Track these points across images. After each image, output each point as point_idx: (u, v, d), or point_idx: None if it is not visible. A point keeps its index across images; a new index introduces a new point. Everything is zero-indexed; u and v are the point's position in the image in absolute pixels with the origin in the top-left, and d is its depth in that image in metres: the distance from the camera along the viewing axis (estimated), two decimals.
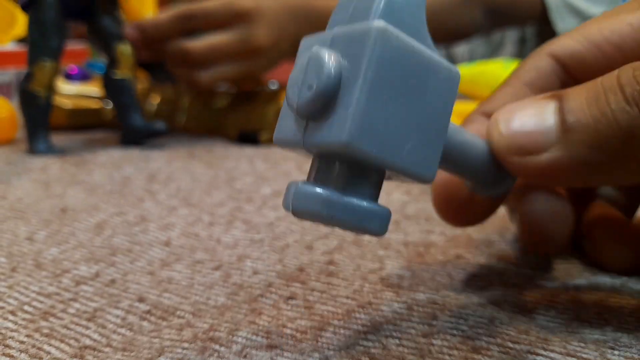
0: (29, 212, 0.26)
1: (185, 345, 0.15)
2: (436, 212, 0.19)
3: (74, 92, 0.46)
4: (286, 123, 0.14)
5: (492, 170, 0.16)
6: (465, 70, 0.41)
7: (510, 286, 0.19)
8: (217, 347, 0.15)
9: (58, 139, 0.43)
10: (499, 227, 0.24)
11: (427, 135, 0.13)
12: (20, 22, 0.59)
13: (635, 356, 0.15)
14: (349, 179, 0.13)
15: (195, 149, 0.41)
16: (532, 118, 0.15)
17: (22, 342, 0.15)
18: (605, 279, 0.20)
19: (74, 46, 0.72)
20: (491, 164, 0.16)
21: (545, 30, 0.67)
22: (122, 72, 0.40)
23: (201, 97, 0.48)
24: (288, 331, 0.16)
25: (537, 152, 0.15)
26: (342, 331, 0.16)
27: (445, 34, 0.62)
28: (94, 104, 0.47)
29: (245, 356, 0.15)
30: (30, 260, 0.21)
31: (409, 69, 0.12)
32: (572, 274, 0.20)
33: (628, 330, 0.16)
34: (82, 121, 0.46)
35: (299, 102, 0.12)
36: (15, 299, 0.18)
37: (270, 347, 0.15)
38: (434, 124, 0.13)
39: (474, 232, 0.24)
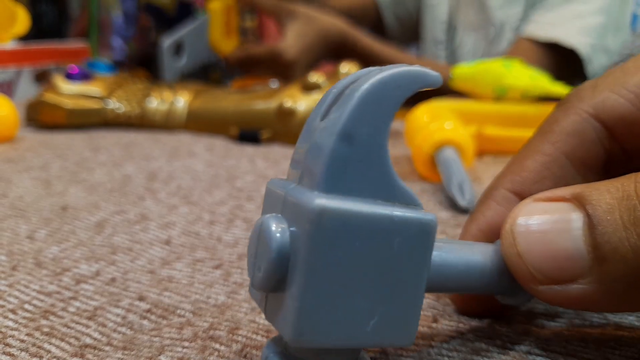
0: (29, 210, 0.26)
1: (186, 344, 0.15)
2: (450, 301, 0.17)
3: (74, 91, 0.46)
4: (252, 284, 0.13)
5: (507, 284, 0.14)
6: (465, 69, 0.41)
7: None
8: (217, 346, 0.15)
9: (58, 138, 0.43)
10: None
11: (397, 301, 0.12)
12: (21, 21, 0.59)
13: (636, 355, 0.15)
14: (319, 352, 0.12)
15: (196, 147, 0.41)
16: (556, 236, 0.12)
17: (22, 341, 0.15)
18: None
19: (74, 45, 0.72)
20: (505, 279, 0.14)
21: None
22: None
23: (202, 97, 0.48)
24: None
25: (566, 281, 0.12)
26: None
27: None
28: (94, 104, 0.47)
29: (245, 355, 0.15)
30: (31, 259, 0.21)
31: (361, 240, 0.11)
32: None
33: (630, 329, 0.16)
34: (83, 121, 0.46)
35: (253, 281, 0.12)
36: (16, 297, 0.18)
37: None
38: (405, 286, 0.12)
39: None
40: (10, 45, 0.60)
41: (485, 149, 0.38)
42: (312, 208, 0.11)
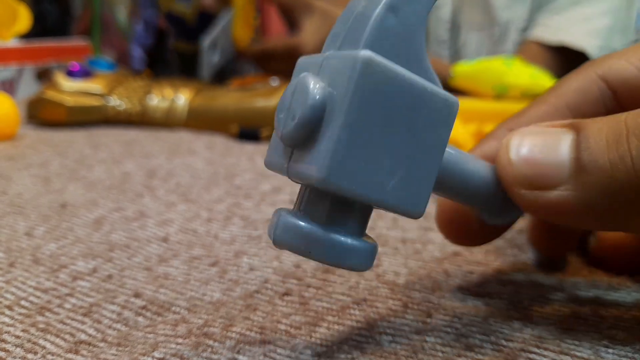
0: (28, 207, 0.26)
1: (180, 340, 0.15)
2: (439, 230, 0.18)
3: (75, 88, 0.47)
4: (275, 147, 0.13)
5: (498, 201, 0.15)
6: (466, 67, 0.41)
7: (507, 284, 0.19)
8: (210, 342, 0.15)
9: (59, 136, 0.43)
10: None
11: (416, 169, 0.12)
12: (23, 19, 0.59)
13: (630, 354, 0.15)
14: (333, 212, 0.13)
15: (196, 145, 0.41)
16: (545, 148, 0.14)
17: (17, 337, 0.15)
18: (603, 278, 0.19)
19: (76, 43, 0.72)
20: (498, 194, 0.15)
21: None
22: None
23: (202, 94, 0.48)
24: (282, 327, 0.16)
25: (547, 187, 0.14)
26: (336, 327, 0.16)
27: None
28: (95, 101, 0.47)
29: (238, 352, 0.15)
30: (29, 256, 0.21)
31: (396, 101, 0.12)
32: (570, 272, 0.20)
33: (624, 328, 0.16)
34: (84, 118, 0.47)
35: (283, 131, 0.12)
36: (12, 293, 0.18)
37: (264, 342, 0.15)
38: (425, 157, 0.12)
39: None
40: (12, 43, 0.60)
41: None
42: (360, 56, 0.11)
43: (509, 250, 0.22)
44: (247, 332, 0.16)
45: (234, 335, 0.15)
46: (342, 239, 0.12)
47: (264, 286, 0.19)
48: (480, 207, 0.16)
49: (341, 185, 0.11)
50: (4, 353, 0.15)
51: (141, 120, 0.47)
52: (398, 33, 0.12)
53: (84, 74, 0.48)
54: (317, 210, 0.13)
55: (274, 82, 0.48)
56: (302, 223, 0.12)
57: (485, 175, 0.15)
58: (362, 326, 0.16)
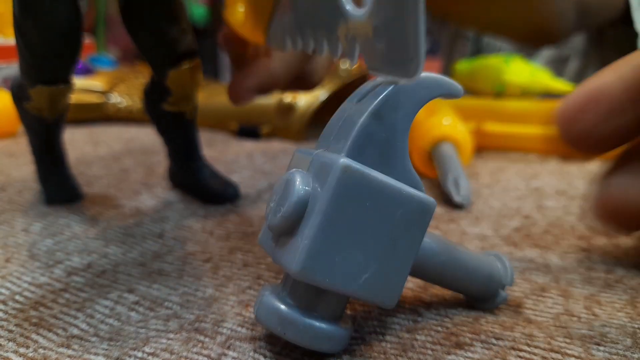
0: (26, 204, 0.26)
1: (171, 335, 0.15)
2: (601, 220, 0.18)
3: (76, 86, 0.47)
4: (266, 229, 0.15)
5: (486, 293, 0.17)
6: (465, 65, 0.40)
7: None
8: (201, 337, 0.15)
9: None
10: (494, 223, 0.24)
11: (390, 265, 0.13)
12: None
13: (621, 352, 0.15)
14: (311, 297, 0.14)
15: (207, 146, 0.41)
16: None
17: (10, 331, 0.15)
18: (599, 274, 0.19)
19: None
20: (479, 282, 0.16)
21: (618, 35, 0.63)
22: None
23: (202, 92, 0.48)
24: None
25: None
26: None
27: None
28: (96, 98, 0.47)
29: (228, 347, 0.15)
30: (25, 251, 0.21)
31: (371, 203, 0.13)
32: (566, 268, 0.20)
33: (617, 325, 0.16)
34: (85, 115, 0.47)
35: (269, 222, 0.14)
36: (8, 288, 0.18)
37: (254, 339, 0.15)
38: (399, 254, 0.13)
39: (468, 226, 0.24)
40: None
41: (484, 145, 0.38)
42: (338, 164, 0.12)
43: (506, 248, 0.22)
44: (238, 328, 0.16)
45: (225, 330, 0.15)
46: (317, 324, 0.13)
47: (257, 282, 0.19)
48: (463, 293, 0.17)
49: (315, 278, 0.12)
50: None
51: (142, 117, 0.47)
52: (381, 138, 0.13)
53: (85, 71, 0.48)
54: (297, 292, 0.14)
55: None
56: (281, 306, 0.13)
57: (467, 265, 0.16)
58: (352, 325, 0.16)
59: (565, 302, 0.18)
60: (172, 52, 0.23)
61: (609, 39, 0.62)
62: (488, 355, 0.14)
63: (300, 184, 0.13)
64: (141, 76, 0.52)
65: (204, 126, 0.46)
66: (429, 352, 0.15)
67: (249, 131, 0.43)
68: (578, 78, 0.72)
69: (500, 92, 0.38)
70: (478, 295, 0.17)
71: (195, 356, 0.14)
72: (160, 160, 0.35)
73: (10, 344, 0.15)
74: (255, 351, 0.15)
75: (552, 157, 0.36)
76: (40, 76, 0.22)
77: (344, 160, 0.12)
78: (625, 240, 0.23)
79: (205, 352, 0.14)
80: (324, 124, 0.15)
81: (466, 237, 0.23)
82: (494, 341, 0.15)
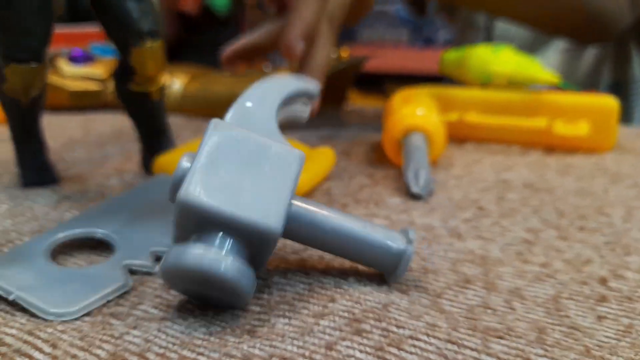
0: (2, 187, 0.28)
1: (86, 319, 0.16)
2: None
3: (76, 74, 0.48)
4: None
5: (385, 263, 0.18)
6: (452, 55, 0.40)
7: (429, 272, 0.19)
8: (114, 321, 0.16)
9: (56, 120, 0.45)
10: (446, 214, 0.24)
11: (267, 197, 0.16)
12: None
13: (520, 346, 0.15)
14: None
15: (197, 135, 0.42)
16: None
17: None
18: (533, 267, 0.19)
19: (80, 29, 0.74)
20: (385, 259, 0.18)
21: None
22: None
23: (197, 80, 0.49)
24: (189, 306, 0.16)
25: None
26: (237, 312, 0.16)
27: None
28: (95, 86, 0.48)
29: (135, 327, 0.15)
30: None
31: (241, 150, 0.17)
32: (502, 260, 0.20)
33: (530, 320, 0.16)
34: (84, 102, 0.48)
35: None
36: None
37: (162, 319, 0.16)
38: (275, 190, 0.16)
39: (419, 217, 0.24)
40: None
41: (466, 136, 0.37)
42: (212, 120, 0.18)
43: (450, 240, 0.22)
44: (152, 310, 0.16)
45: (137, 312, 0.16)
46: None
47: None
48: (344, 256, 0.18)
49: (198, 203, 0.15)
50: None
51: None
52: (254, 112, 0.20)
53: (86, 59, 0.49)
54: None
55: (267, 68, 0.48)
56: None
57: (356, 232, 0.18)
58: (263, 310, 0.16)
59: (487, 294, 0.18)
60: (134, 30, 0.24)
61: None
62: (382, 342, 0.15)
63: (183, 161, 0.17)
64: None
65: (199, 114, 0.47)
66: (326, 337, 0.15)
67: None
68: (594, 68, 0.70)
69: (487, 82, 0.37)
70: (376, 265, 0.18)
71: None
72: None
73: None
74: (159, 330, 0.15)
75: (536, 149, 0.35)
76: (13, 53, 0.23)
77: (215, 119, 0.18)
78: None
79: (110, 332, 0.15)
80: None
81: (412, 227, 0.23)
82: (395, 329, 0.15)
